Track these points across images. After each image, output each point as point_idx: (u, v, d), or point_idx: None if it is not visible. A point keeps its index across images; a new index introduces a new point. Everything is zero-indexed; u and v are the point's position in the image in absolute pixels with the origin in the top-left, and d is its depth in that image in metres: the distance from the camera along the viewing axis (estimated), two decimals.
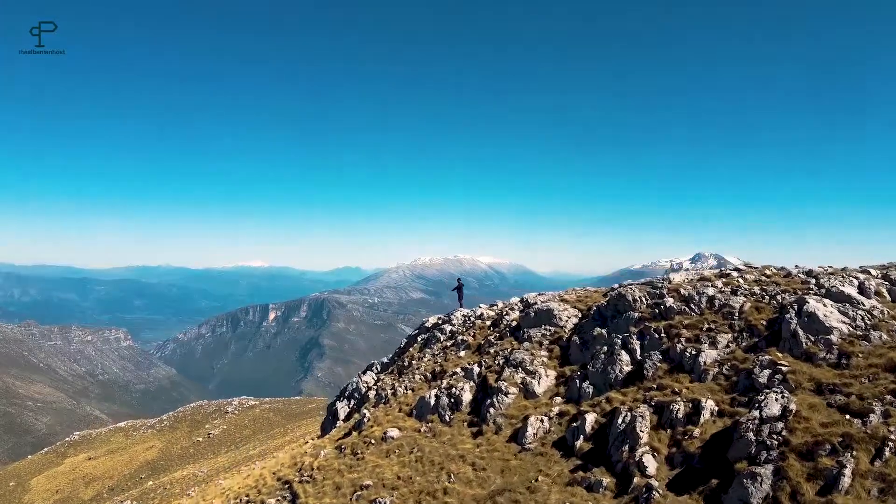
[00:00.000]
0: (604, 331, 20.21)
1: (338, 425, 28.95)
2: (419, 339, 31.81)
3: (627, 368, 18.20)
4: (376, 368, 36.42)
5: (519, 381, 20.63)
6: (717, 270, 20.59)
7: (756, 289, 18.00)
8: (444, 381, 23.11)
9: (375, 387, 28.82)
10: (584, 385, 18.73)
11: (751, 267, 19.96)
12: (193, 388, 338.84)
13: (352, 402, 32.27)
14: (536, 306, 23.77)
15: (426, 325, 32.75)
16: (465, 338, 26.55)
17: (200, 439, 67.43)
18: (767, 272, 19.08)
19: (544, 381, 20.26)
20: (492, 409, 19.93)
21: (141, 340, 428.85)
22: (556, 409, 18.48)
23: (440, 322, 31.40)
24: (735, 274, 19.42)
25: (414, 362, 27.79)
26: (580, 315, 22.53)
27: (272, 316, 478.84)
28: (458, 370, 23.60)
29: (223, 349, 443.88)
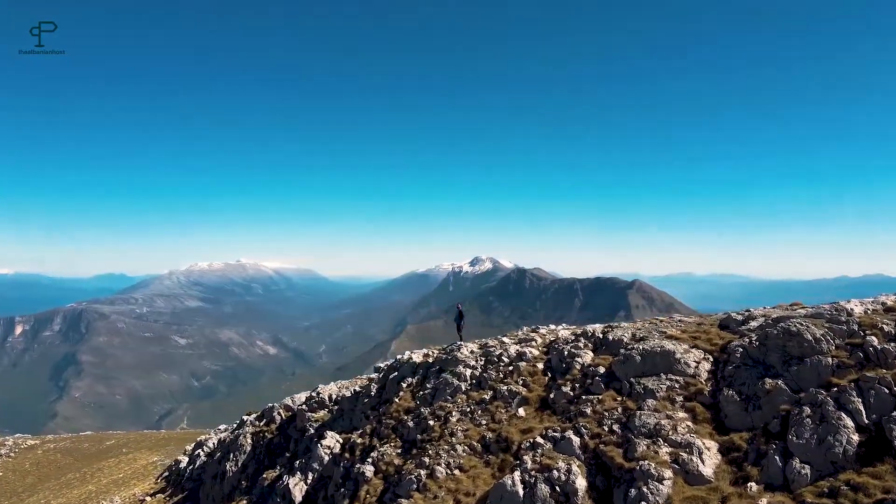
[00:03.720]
0: (779, 382, 14.96)
1: None
2: (403, 384, 23.88)
3: (856, 438, 13.12)
4: (307, 416, 27.70)
5: (666, 457, 14.52)
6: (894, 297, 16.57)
7: None
8: (528, 459, 16.05)
9: (370, 460, 20.37)
10: (795, 464, 13.26)
11: None
12: None
13: (309, 475, 23.35)
14: (637, 346, 17.68)
15: (412, 360, 24.80)
16: (511, 387, 19.53)
17: None
18: None
19: (708, 458, 14.42)
20: None
21: None
22: (763, 503, 12.79)
23: (433, 360, 23.74)
24: None
25: (431, 422, 19.96)
26: (711, 358, 17.00)
27: (19, 330, 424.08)
28: (539, 439, 16.71)
29: None
